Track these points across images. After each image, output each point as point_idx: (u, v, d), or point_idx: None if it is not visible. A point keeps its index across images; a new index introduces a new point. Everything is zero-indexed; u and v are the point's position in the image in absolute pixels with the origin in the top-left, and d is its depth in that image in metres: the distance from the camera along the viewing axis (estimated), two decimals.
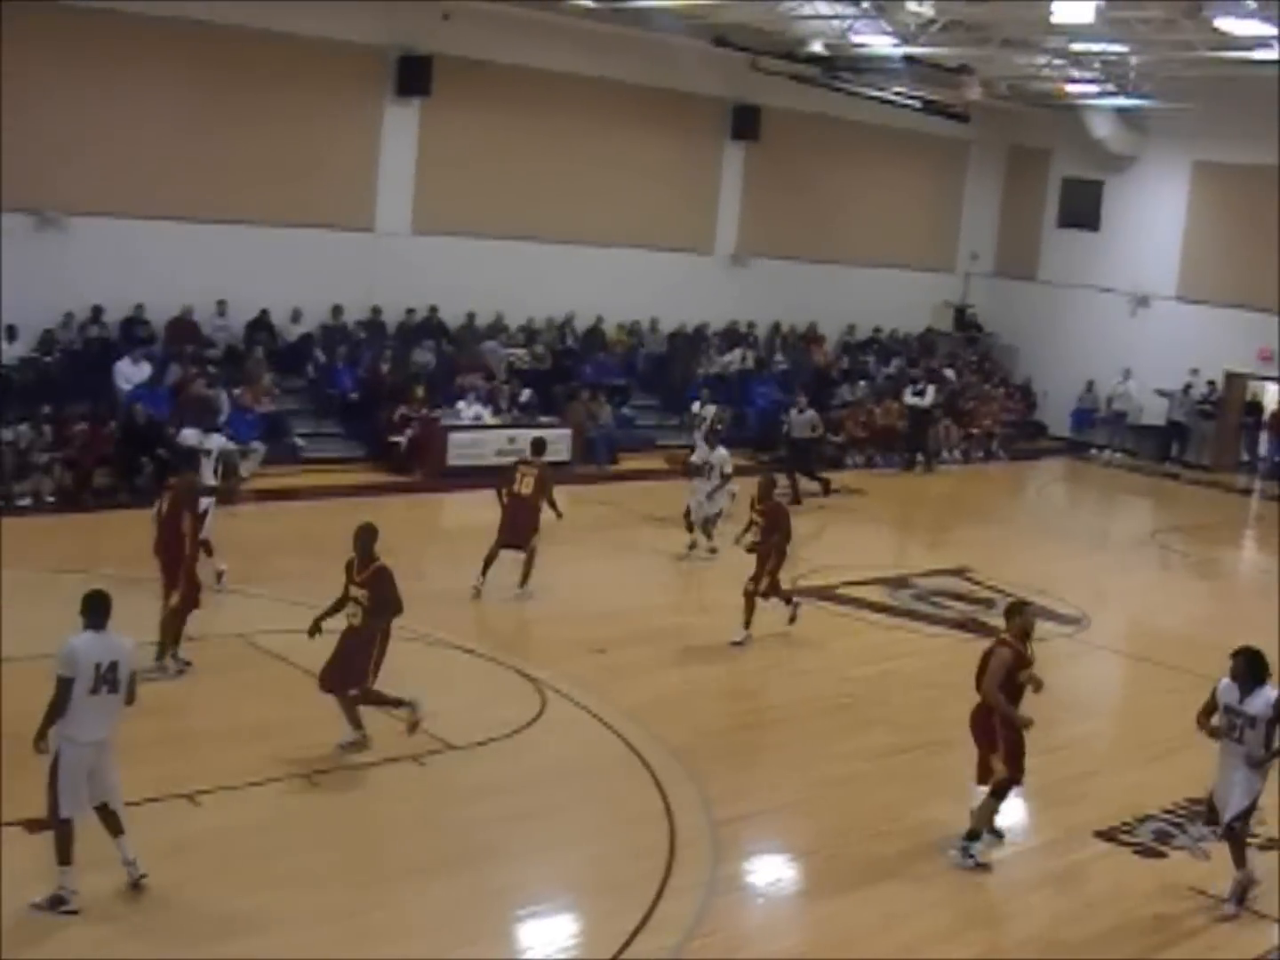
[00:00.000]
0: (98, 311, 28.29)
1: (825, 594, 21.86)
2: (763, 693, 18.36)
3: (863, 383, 37.21)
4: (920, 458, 34.81)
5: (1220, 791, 12.55)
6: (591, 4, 29.66)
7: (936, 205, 41.72)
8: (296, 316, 30.52)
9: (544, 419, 30.78)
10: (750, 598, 19.06)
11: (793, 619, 19.56)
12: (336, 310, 31.18)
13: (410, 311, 32.35)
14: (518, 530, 20.31)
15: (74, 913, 10.74)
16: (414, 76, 31.17)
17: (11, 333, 26.86)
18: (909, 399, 35.11)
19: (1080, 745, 16.64)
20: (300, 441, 28.81)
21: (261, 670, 16.53)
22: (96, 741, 10.97)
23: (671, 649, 18.97)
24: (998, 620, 14.58)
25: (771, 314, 38.19)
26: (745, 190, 37.38)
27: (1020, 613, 13.15)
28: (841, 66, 33.68)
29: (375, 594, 14.03)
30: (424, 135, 31.91)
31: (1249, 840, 12.69)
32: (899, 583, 23.26)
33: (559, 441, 29.81)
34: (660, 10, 30.14)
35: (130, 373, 27.17)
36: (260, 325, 30.20)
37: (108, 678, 10.96)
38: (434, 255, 31.79)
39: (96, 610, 11.13)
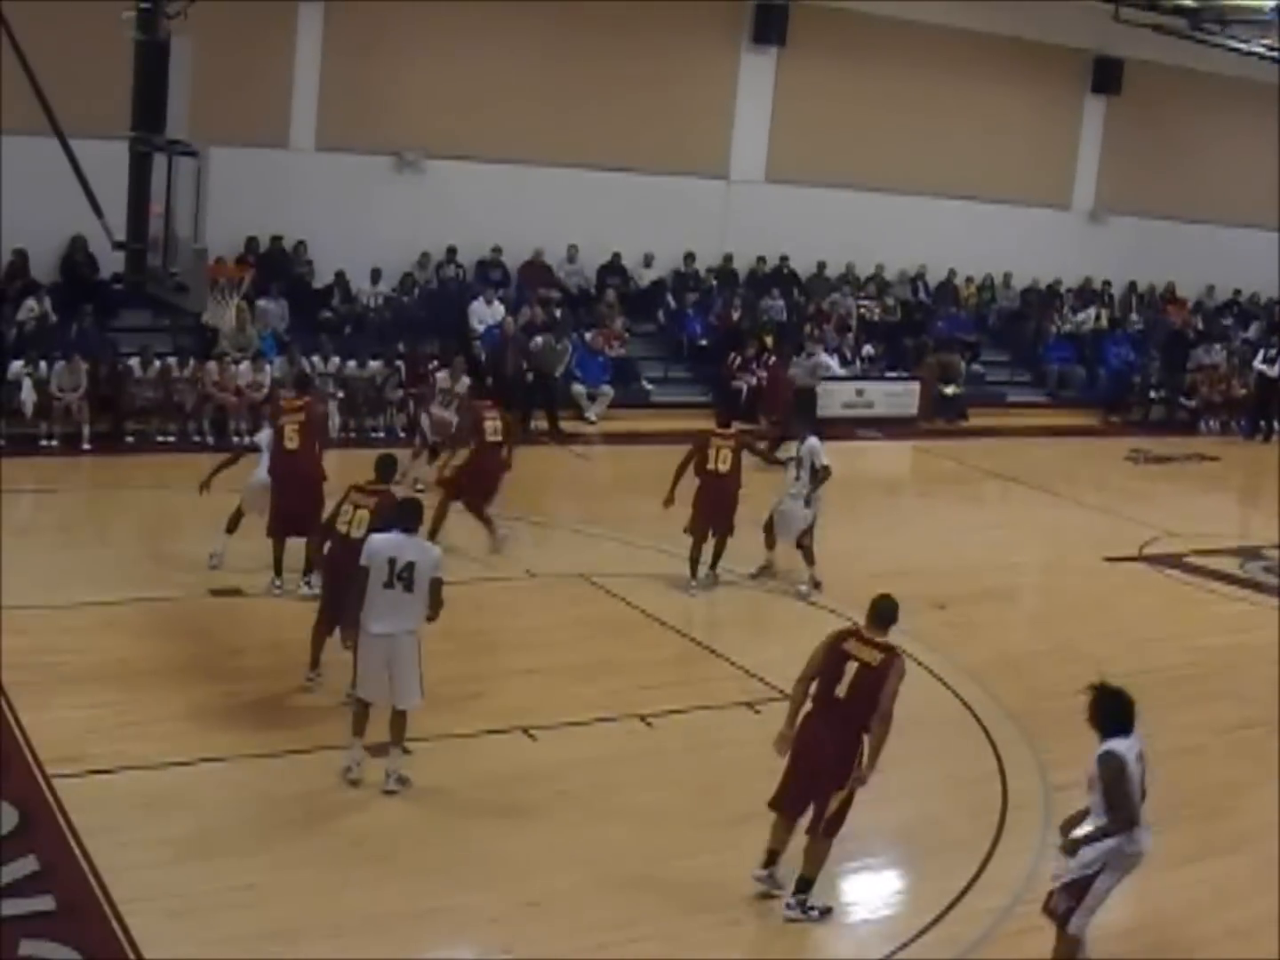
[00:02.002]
0: (452, 252, 29.04)
1: (1174, 562, 21.24)
2: (1105, 659, 17.86)
3: (1219, 346, 35.95)
4: (1263, 425, 33.42)
5: None
6: None
7: None
8: (648, 261, 30.85)
9: (892, 373, 30.57)
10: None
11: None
12: (689, 257, 31.41)
13: (761, 260, 32.41)
14: (722, 514, 17.70)
15: (355, 783, 11.76)
16: (771, 25, 31.16)
17: (376, 275, 27.77)
18: (1258, 365, 33.72)
19: None
20: (649, 386, 29.14)
21: (601, 608, 16.79)
22: (386, 634, 11.60)
23: (1014, 608, 18.70)
24: None
25: (1128, 272, 37.16)
26: (1105, 145, 36.40)
27: None
28: (1208, 18, 32.47)
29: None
30: (780, 84, 31.89)
31: None
32: (1251, 553, 22.49)
33: (907, 395, 29.59)
34: None
35: (484, 313, 27.85)
36: (612, 269, 30.60)
37: (403, 576, 11.55)
38: (786, 204, 31.72)
39: (408, 515, 11.96)
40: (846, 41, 31.67)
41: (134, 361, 24.05)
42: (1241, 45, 33.25)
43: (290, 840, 11.00)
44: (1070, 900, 9.51)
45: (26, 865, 10.12)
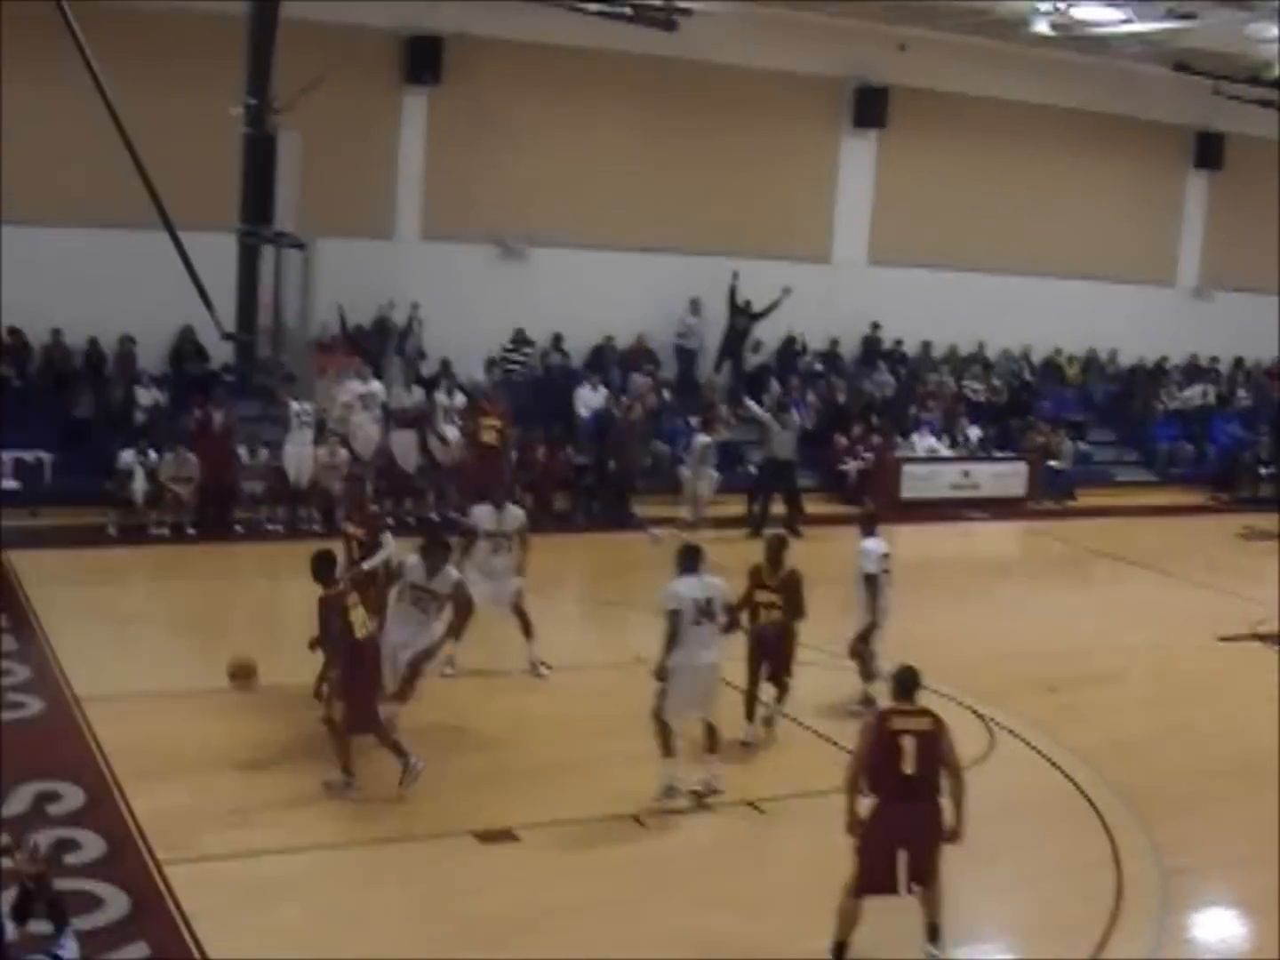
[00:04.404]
0: (558, 339, 29.22)
1: None
2: (1223, 740, 17.63)
3: None
4: None
5: None
6: (1049, 32, 29.15)
7: None
8: (755, 347, 30.81)
9: (998, 453, 30.38)
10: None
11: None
12: (791, 340, 31.43)
13: (866, 341, 32.39)
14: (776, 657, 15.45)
15: (674, 791, 13.22)
16: (871, 108, 31.31)
17: (490, 367, 27.92)
18: None
19: None
20: (754, 470, 29.03)
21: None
22: (703, 665, 13.22)
23: (1126, 690, 18.40)
24: None
25: (1235, 348, 36.69)
26: (1208, 220, 36.15)
27: None
28: None
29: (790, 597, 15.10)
30: (881, 166, 32.00)
31: None
32: None
33: (1014, 476, 29.41)
34: (1119, 37, 29.39)
35: (589, 399, 27.93)
36: (724, 351, 30.60)
37: (706, 610, 13.24)
38: (889, 285, 31.78)
39: (690, 559, 13.47)
40: (947, 122, 31.75)
41: (242, 449, 24.29)
42: None
43: (401, 927, 10.97)
44: None
45: (137, 951, 10.15)
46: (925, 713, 10.56)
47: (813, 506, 27.12)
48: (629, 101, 29.10)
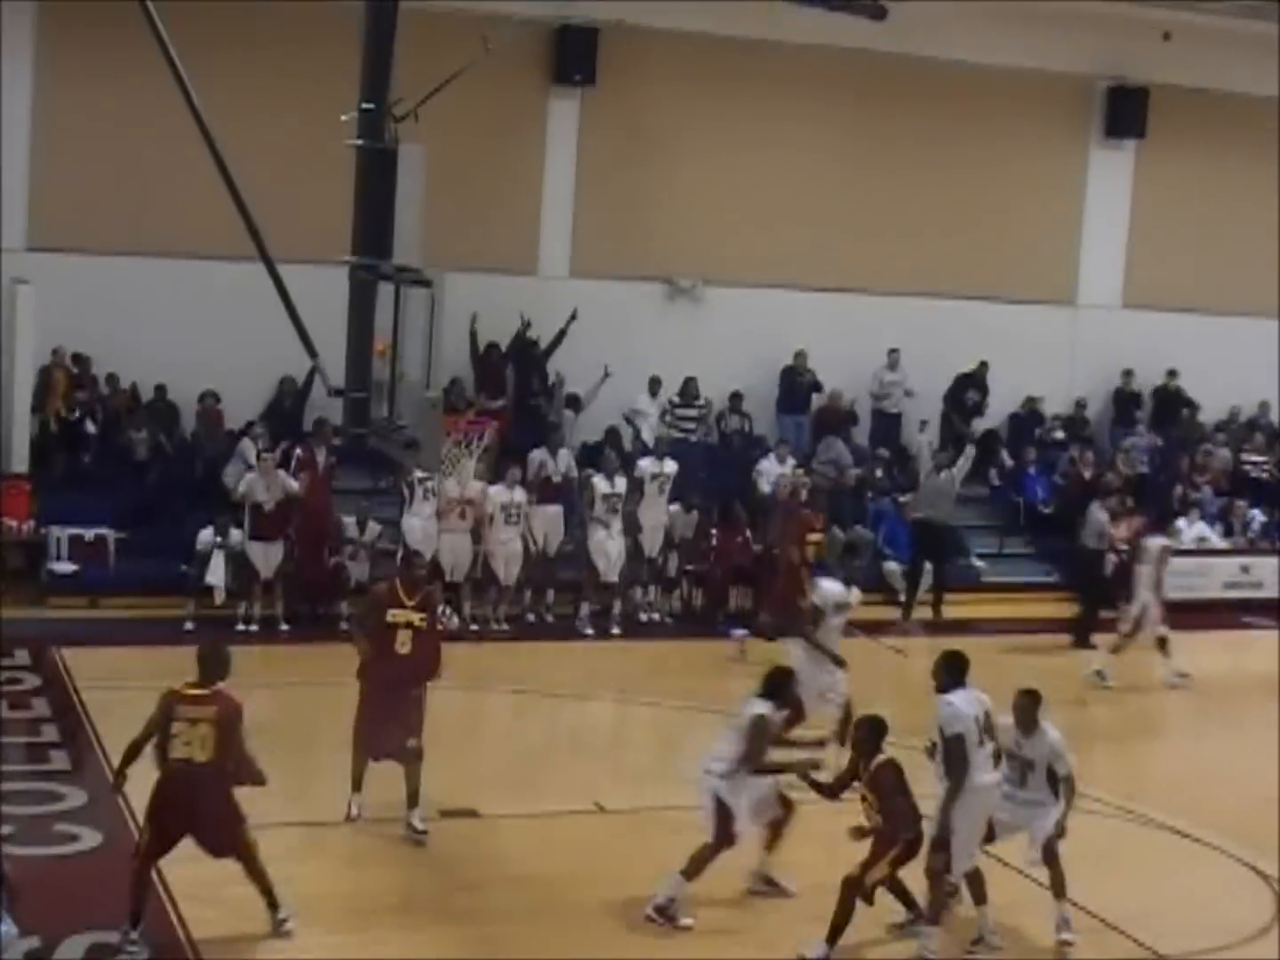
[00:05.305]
0: (737, 400, 29.18)
1: None
2: None
3: None
4: None
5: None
6: None
7: None
8: (977, 406, 30.58)
9: None
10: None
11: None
12: (1029, 400, 31.14)
13: (1119, 400, 32.02)
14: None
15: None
16: (1127, 112, 31.10)
17: (659, 450, 27.75)
18: None
19: None
20: (978, 563, 28.87)
21: None
22: (989, 784, 13.52)
23: None
24: None
25: None
26: None
27: None
28: None
29: None
30: (1139, 184, 31.71)
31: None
32: None
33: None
34: None
35: (775, 473, 27.40)
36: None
37: (986, 727, 13.51)
38: (1149, 333, 31.50)
39: (957, 669, 13.74)
40: (1223, 130, 31.36)
41: (348, 522, 24.41)
42: None
43: None
44: None
45: None
46: None
47: (1056, 608, 26.82)
48: (825, 108, 29.17)
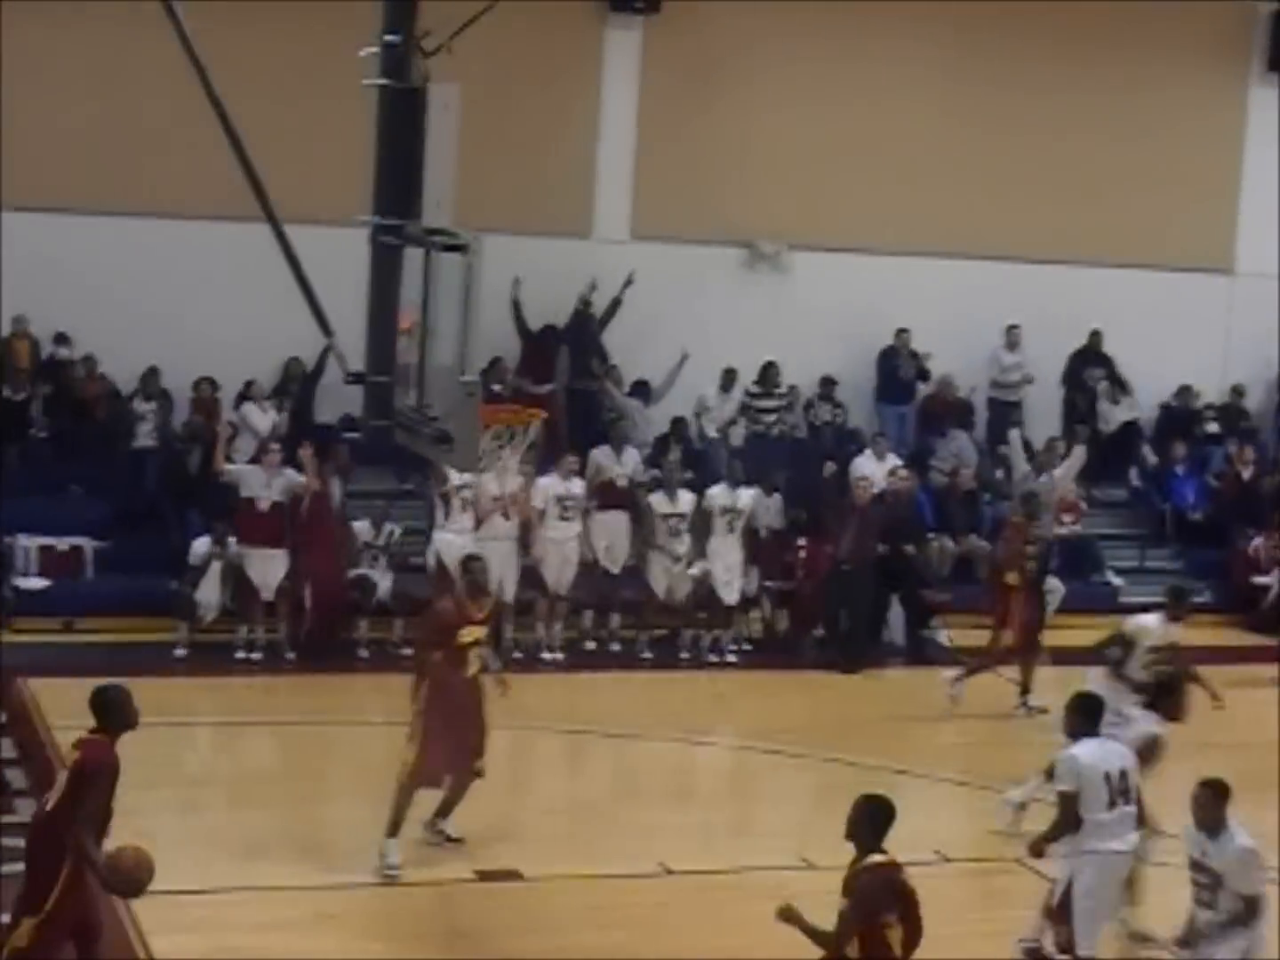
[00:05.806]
0: (828, 387, 29.23)
1: None
2: None
3: None
4: None
5: None
6: None
7: None
8: (1112, 395, 30.46)
9: None
10: None
11: None
12: (1183, 390, 31.05)
13: None
14: None
15: None
16: None
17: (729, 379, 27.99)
18: None
19: None
20: (1116, 580, 28.78)
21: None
22: (1121, 852, 13.30)
23: None
24: None
25: None
26: None
27: None
28: None
29: None
30: None
31: None
32: None
33: None
34: None
35: (873, 471, 27.10)
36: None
37: (1121, 789, 13.22)
38: None
39: (1090, 714, 13.51)
40: None
41: (360, 526, 24.46)
42: None
43: None
44: None
45: None
46: None
47: (1210, 633, 26.63)
48: (932, 44, 29.12)
